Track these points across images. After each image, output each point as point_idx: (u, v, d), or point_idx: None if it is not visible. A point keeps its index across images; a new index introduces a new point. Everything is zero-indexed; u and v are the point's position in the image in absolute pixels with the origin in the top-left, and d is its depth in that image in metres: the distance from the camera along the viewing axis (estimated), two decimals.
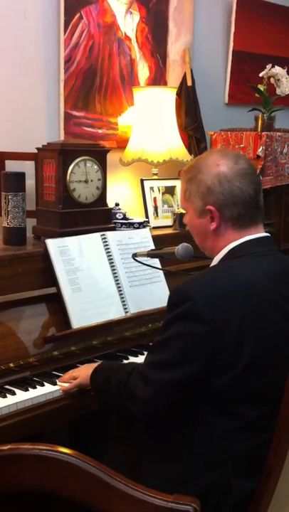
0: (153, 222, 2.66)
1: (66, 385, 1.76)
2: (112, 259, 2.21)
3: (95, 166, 2.23)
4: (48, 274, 2.04)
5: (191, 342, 1.37)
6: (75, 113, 2.65)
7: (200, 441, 1.42)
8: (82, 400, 1.76)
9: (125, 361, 1.98)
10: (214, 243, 1.54)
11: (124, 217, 2.44)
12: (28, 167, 2.29)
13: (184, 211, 2.61)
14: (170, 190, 2.79)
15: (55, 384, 1.78)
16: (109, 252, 2.21)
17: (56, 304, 2.02)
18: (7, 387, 1.75)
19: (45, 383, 1.78)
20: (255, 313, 1.38)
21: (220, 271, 1.50)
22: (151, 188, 2.74)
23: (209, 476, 1.40)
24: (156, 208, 2.73)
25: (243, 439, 1.40)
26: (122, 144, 2.80)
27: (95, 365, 1.71)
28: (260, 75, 2.92)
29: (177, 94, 2.91)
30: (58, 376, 1.82)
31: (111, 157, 2.37)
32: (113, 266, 2.20)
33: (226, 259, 1.51)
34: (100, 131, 2.76)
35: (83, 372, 1.73)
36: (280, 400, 1.37)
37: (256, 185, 1.51)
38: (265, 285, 1.43)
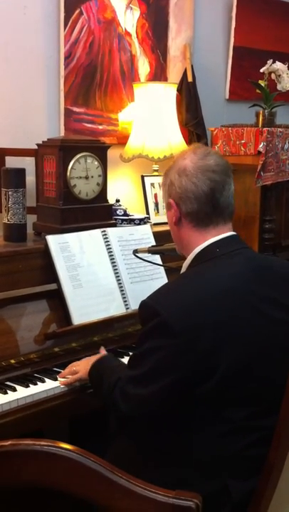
0: (154, 219, 2.66)
1: (67, 379, 1.76)
2: (112, 255, 2.20)
3: (96, 162, 2.23)
4: (48, 271, 2.04)
5: (165, 355, 1.36)
6: (75, 109, 2.64)
7: (191, 446, 1.41)
8: (83, 397, 1.76)
9: (126, 357, 1.98)
10: (183, 242, 1.54)
11: (125, 214, 2.44)
12: (28, 163, 2.28)
13: None
14: None
15: (56, 380, 1.78)
16: (110, 248, 2.21)
17: (57, 300, 2.02)
18: (8, 383, 1.75)
19: (46, 379, 1.78)
20: (229, 317, 1.36)
21: (186, 279, 1.49)
22: (152, 184, 2.74)
23: (205, 480, 1.39)
24: (156, 204, 2.73)
25: (234, 441, 1.39)
26: (122, 140, 2.80)
27: (94, 359, 1.71)
28: (261, 70, 2.91)
29: (178, 90, 2.90)
30: (59, 372, 1.82)
31: (111, 153, 2.37)
32: (114, 262, 2.20)
33: (193, 265, 1.50)
34: (100, 127, 2.75)
35: (83, 366, 1.73)
36: (268, 398, 1.37)
37: (216, 183, 1.47)
38: (238, 286, 1.41)
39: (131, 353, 1.98)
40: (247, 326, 1.39)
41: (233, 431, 1.39)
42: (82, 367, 1.74)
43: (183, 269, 1.55)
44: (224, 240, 1.49)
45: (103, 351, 1.87)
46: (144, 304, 1.42)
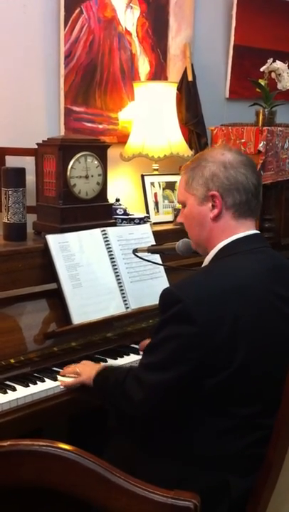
0: (153, 218, 2.66)
1: (68, 379, 1.75)
2: (112, 254, 2.20)
3: (96, 162, 2.23)
4: (48, 270, 2.04)
5: (183, 343, 1.37)
6: (75, 108, 2.64)
7: (194, 440, 1.42)
8: (83, 396, 1.76)
9: (126, 357, 1.98)
10: (211, 234, 1.52)
11: (125, 213, 2.44)
12: (28, 162, 2.28)
13: None
14: (171, 186, 2.79)
15: (55, 380, 1.78)
16: (110, 247, 2.21)
17: (56, 299, 2.02)
18: (8, 382, 1.75)
19: (45, 379, 1.78)
20: (248, 313, 1.37)
21: (210, 272, 1.49)
22: (152, 184, 2.74)
23: (205, 475, 1.39)
24: (156, 204, 2.73)
25: (237, 438, 1.39)
26: (122, 139, 2.80)
27: (97, 366, 1.70)
28: (261, 69, 2.91)
29: (178, 89, 2.90)
30: (59, 372, 1.82)
31: (111, 152, 2.37)
32: (114, 261, 2.20)
33: (216, 259, 1.51)
34: (100, 126, 2.75)
35: (87, 371, 1.70)
36: (273, 398, 1.37)
37: (259, 177, 1.53)
38: (258, 284, 1.42)
39: (130, 353, 2.01)
40: (265, 325, 1.40)
41: (236, 428, 1.39)
42: (86, 371, 1.71)
43: (205, 263, 1.55)
44: (250, 236, 1.51)
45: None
46: (167, 291, 1.43)
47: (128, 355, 2.00)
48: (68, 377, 1.77)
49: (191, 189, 1.55)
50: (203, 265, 1.56)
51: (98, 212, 2.26)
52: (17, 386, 1.72)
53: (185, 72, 2.99)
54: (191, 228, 1.59)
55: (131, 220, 2.42)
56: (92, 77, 2.68)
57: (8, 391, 1.69)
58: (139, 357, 1.87)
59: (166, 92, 2.75)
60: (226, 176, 1.48)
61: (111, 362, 1.93)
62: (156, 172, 2.78)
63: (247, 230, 1.51)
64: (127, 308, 2.17)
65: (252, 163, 1.53)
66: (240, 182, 1.48)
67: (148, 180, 2.73)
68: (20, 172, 2.14)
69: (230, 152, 1.52)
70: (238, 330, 1.35)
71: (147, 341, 1.72)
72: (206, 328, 1.34)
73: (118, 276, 2.19)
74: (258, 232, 1.55)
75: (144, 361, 1.48)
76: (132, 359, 1.98)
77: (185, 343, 1.36)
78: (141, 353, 1.98)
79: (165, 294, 1.43)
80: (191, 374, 1.36)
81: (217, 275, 1.45)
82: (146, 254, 2.12)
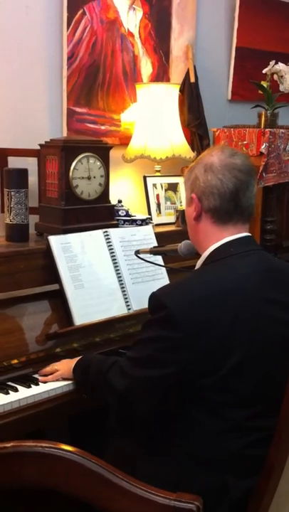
0: (156, 219, 2.66)
1: (48, 377, 1.78)
2: (114, 256, 2.20)
3: (98, 163, 2.23)
4: (50, 271, 2.04)
5: (166, 346, 1.38)
6: (77, 109, 2.65)
7: (191, 441, 1.42)
8: (84, 397, 1.77)
9: None
10: (200, 238, 1.56)
11: (127, 214, 2.44)
12: (30, 163, 2.29)
13: None
14: (173, 187, 2.79)
15: (57, 380, 1.78)
16: (112, 248, 2.21)
17: (58, 300, 2.02)
18: (10, 383, 1.75)
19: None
20: (233, 317, 1.37)
21: (197, 277, 1.50)
22: (154, 185, 2.74)
23: (204, 476, 1.40)
24: (158, 205, 2.73)
25: (235, 439, 1.40)
26: (124, 140, 2.80)
27: (76, 359, 1.75)
28: (264, 71, 2.91)
29: (180, 90, 2.91)
30: None
31: (114, 154, 2.37)
32: (116, 263, 2.20)
33: (206, 262, 1.52)
34: (102, 127, 2.75)
35: (65, 365, 1.77)
36: (270, 400, 1.37)
37: (241, 182, 1.49)
38: (247, 287, 1.42)
39: None
40: (255, 329, 1.40)
41: (234, 429, 1.40)
42: (63, 365, 1.77)
43: (197, 266, 1.57)
44: (239, 239, 1.51)
45: None
46: (153, 296, 1.46)
47: None
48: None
49: (185, 191, 1.60)
50: (195, 268, 1.58)
51: (100, 214, 2.26)
52: (19, 387, 1.72)
53: (187, 74, 2.99)
54: (188, 228, 1.63)
55: (133, 222, 2.42)
56: (95, 79, 2.69)
57: (10, 392, 1.69)
58: None
59: (169, 94, 2.75)
60: (203, 180, 1.50)
61: None
62: (158, 173, 2.78)
63: (234, 233, 1.51)
64: (129, 309, 2.17)
65: (240, 167, 1.50)
66: (214, 186, 1.48)
67: (150, 181, 2.73)
68: (23, 173, 2.14)
69: (221, 154, 1.51)
70: (227, 336, 1.36)
71: (48, 368, 1.80)
72: (190, 334, 1.35)
73: (120, 277, 2.19)
74: (249, 234, 1.54)
75: (129, 354, 1.51)
76: None
77: (168, 346, 1.38)
78: None
79: (151, 299, 1.46)
80: (174, 376, 1.38)
81: (202, 280, 1.46)
82: (148, 255, 2.12)
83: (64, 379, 1.78)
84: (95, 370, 1.61)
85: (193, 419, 1.41)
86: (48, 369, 1.80)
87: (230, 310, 1.37)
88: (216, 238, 1.51)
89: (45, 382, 1.77)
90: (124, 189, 2.85)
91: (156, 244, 2.31)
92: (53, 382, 1.77)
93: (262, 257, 1.52)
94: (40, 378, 1.79)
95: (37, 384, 1.75)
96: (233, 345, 1.36)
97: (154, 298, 1.45)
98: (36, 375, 1.81)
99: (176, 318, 1.36)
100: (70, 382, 1.77)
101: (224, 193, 1.48)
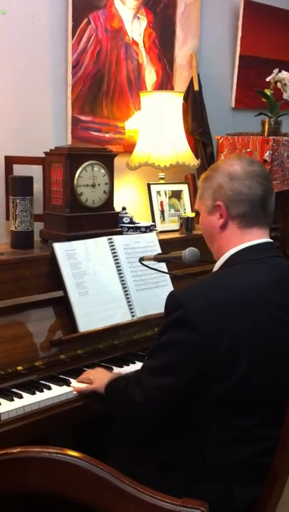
0: (160, 227, 2.67)
1: (81, 385, 1.76)
2: (118, 263, 2.21)
3: (102, 170, 2.24)
4: (54, 278, 2.05)
5: (183, 351, 1.38)
6: (82, 117, 2.66)
7: (198, 449, 1.42)
8: (89, 403, 1.77)
9: (132, 365, 1.98)
10: (220, 244, 1.55)
11: (131, 221, 2.45)
12: (35, 171, 2.30)
13: (190, 215, 2.63)
14: (177, 195, 2.80)
15: (61, 386, 1.79)
16: (116, 255, 2.22)
17: (63, 307, 2.03)
18: (14, 390, 1.75)
19: (52, 386, 1.79)
20: (249, 325, 1.38)
21: (215, 280, 1.50)
22: (158, 192, 2.75)
23: (209, 483, 1.39)
24: (162, 212, 2.74)
25: (240, 448, 1.39)
26: (128, 148, 2.81)
27: (110, 374, 1.72)
28: (267, 79, 2.93)
29: (184, 98, 2.92)
30: (65, 379, 1.83)
31: (118, 161, 2.38)
32: (120, 270, 2.20)
33: (225, 265, 1.52)
34: (107, 135, 2.77)
35: (100, 379, 1.72)
36: (277, 409, 1.37)
37: (266, 188, 1.52)
38: (260, 294, 1.42)
39: (136, 361, 2.01)
40: (267, 337, 1.40)
41: (240, 438, 1.40)
42: (98, 378, 1.73)
43: (215, 269, 1.57)
44: (259, 245, 1.51)
45: None
46: (171, 295, 1.45)
47: (134, 363, 2.00)
48: (82, 383, 1.78)
49: (202, 200, 1.58)
50: (213, 271, 1.57)
51: (105, 221, 2.27)
52: (24, 393, 1.73)
53: (191, 82, 3.00)
54: (205, 237, 1.63)
55: (137, 229, 2.43)
56: (99, 87, 2.70)
57: (14, 398, 1.70)
58: None
59: (173, 102, 2.77)
60: (230, 188, 1.51)
61: (117, 370, 1.93)
62: (162, 181, 2.79)
63: (255, 238, 1.51)
64: (133, 316, 2.17)
65: (260, 173, 1.53)
66: (244, 193, 1.50)
67: (154, 188, 2.74)
68: (28, 180, 2.15)
69: (240, 162, 1.53)
70: (239, 343, 1.36)
71: (84, 375, 1.78)
72: (205, 337, 1.35)
73: (124, 284, 2.19)
74: (270, 240, 1.55)
75: (146, 364, 1.51)
76: (138, 367, 1.97)
77: (185, 351, 1.38)
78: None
79: (169, 298, 1.45)
80: (191, 382, 1.37)
81: (220, 285, 1.45)
82: (152, 262, 2.13)
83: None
84: (116, 387, 1.59)
85: (200, 427, 1.41)
86: (84, 376, 1.79)
87: (244, 316, 1.38)
88: (238, 241, 1.51)
89: (78, 391, 1.76)
90: (129, 196, 2.86)
91: (160, 251, 2.31)
92: (58, 389, 1.78)
93: (278, 263, 1.53)
94: (73, 387, 1.78)
95: (41, 390, 1.76)
96: (243, 354, 1.36)
97: (172, 296, 1.44)
98: (42, 381, 1.82)
99: (192, 319, 1.36)
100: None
101: (254, 199, 1.50)
